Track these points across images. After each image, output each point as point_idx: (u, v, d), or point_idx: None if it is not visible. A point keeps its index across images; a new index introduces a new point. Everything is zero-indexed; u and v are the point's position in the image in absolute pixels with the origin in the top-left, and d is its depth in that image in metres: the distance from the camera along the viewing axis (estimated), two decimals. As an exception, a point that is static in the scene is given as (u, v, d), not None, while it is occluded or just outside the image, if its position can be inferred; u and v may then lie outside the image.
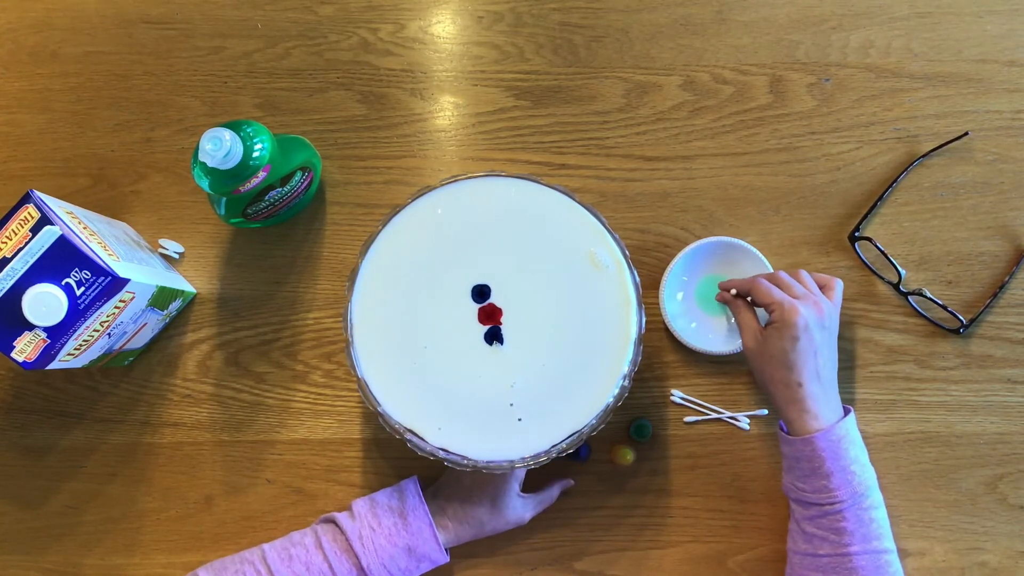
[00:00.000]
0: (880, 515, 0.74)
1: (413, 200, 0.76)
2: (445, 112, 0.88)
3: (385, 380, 0.74)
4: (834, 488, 0.72)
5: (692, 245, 0.83)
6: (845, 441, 0.73)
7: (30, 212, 0.70)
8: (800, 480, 0.74)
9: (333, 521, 0.78)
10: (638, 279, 0.75)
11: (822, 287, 0.78)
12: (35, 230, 0.70)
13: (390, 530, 0.76)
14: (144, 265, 0.79)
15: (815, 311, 0.74)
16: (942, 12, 0.88)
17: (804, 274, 0.78)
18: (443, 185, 0.77)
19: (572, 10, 0.89)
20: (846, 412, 0.76)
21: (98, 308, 0.71)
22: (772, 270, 0.83)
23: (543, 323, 0.75)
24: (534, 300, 0.75)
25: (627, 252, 0.76)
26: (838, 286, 0.79)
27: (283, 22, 0.89)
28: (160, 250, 0.87)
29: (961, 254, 0.86)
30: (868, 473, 0.74)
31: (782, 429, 0.76)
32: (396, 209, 0.76)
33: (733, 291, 0.79)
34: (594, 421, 0.74)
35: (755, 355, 0.76)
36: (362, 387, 0.74)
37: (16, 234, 0.70)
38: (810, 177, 0.87)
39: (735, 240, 0.83)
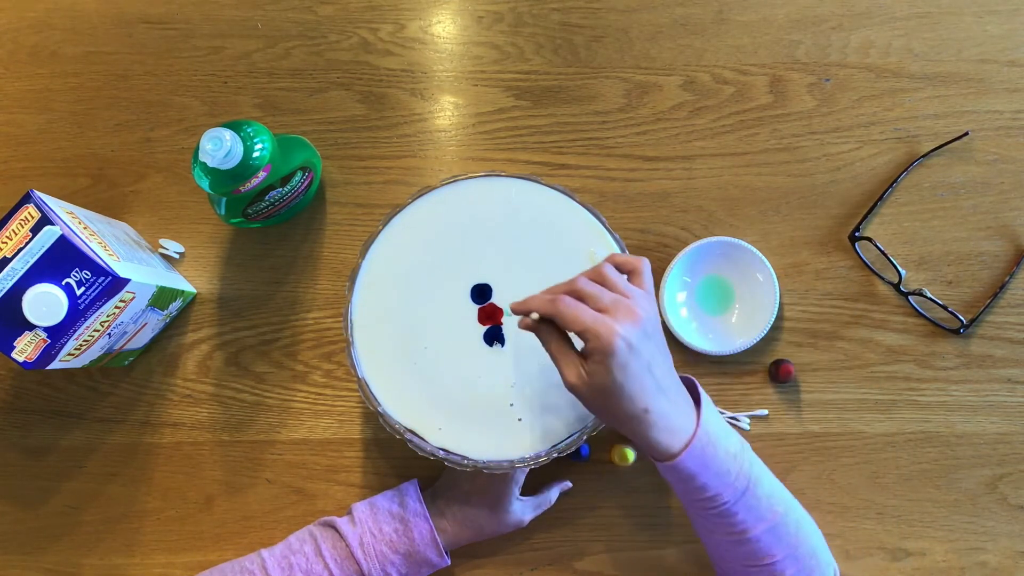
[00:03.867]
0: (764, 488, 0.69)
1: (413, 200, 0.76)
2: (445, 112, 0.88)
3: (385, 380, 0.74)
4: (715, 495, 0.67)
5: (692, 245, 0.83)
6: (708, 448, 0.66)
7: (30, 212, 0.70)
8: (682, 492, 0.69)
9: (332, 526, 0.78)
10: (638, 279, 0.75)
11: (629, 274, 0.67)
12: (35, 230, 0.70)
13: (391, 536, 0.76)
14: (144, 265, 0.79)
15: (632, 322, 0.62)
16: (942, 12, 0.88)
17: (607, 271, 0.66)
18: (443, 185, 0.77)
19: (572, 10, 0.89)
20: (697, 401, 0.68)
21: (98, 308, 0.71)
22: (771, 270, 0.82)
23: (543, 323, 0.74)
24: (534, 300, 0.75)
25: (627, 252, 0.76)
26: (644, 268, 0.67)
27: (283, 22, 0.89)
28: (160, 250, 0.87)
29: (961, 254, 0.86)
30: (741, 461, 0.68)
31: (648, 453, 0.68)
32: (396, 209, 0.76)
33: (534, 315, 0.66)
34: (594, 421, 0.74)
35: (584, 394, 0.64)
36: (362, 387, 0.74)
37: (16, 234, 0.70)
38: (810, 177, 0.87)
39: (735, 240, 0.83)
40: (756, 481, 0.69)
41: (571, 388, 0.64)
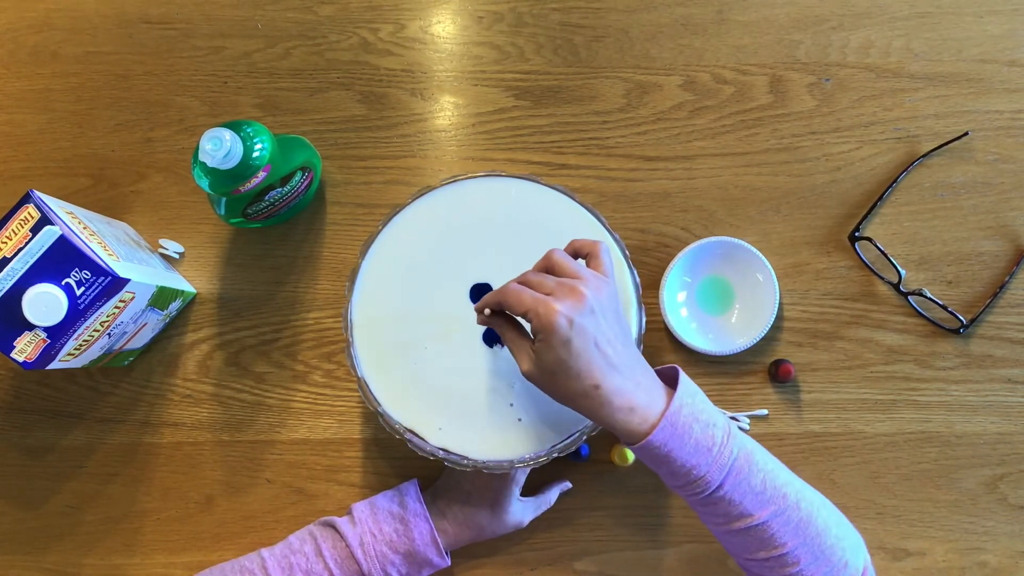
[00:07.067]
0: (760, 474, 0.65)
1: (413, 200, 0.76)
2: (445, 112, 0.88)
3: (385, 380, 0.74)
4: (701, 476, 0.64)
5: (692, 245, 0.83)
6: (680, 426, 0.63)
7: (30, 212, 0.70)
8: (666, 478, 0.66)
9: (332, 526, 0.78)
10: (638, 279, 0.75)
11: (586, 258, 0.68)
12: (35, 230, 0.70)
13: (391, 536, 0.76)
14: (144, 265, 0.79)
15: (573, 300, 0.61)
16: (942, 12, 0.88)
17: (557, 256, 0.66)
18: (443, 185, 0.77)
19: (572, 10, 0.89)
20: (669, 379, 0.66)
21: (98, 308, 0.71)
22: (771, 270, 0.83)
23: (543, 323, 0.74)
24: (534, 300, 0.75)
25: (627, 252, 0.76)
26: (600, 250, 0.67)
27: (283, 22, 0.89)
28: (160, 250, 0.87)
29: (961, 254, 0.86)
30: (724, 446, 0.64)
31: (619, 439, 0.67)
32: (396, 209, 0.76)
33: (487, 310, 0.67)
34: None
35: (536, 377, 0.64)
36: (362, 387, 0.74)
37: (16, 234, 0.70)
38: (810, 177, 0.87)
39: (735, 240, 0.83)
40: (744, 466, 0.65)
41: (526, 374, 0.65)
